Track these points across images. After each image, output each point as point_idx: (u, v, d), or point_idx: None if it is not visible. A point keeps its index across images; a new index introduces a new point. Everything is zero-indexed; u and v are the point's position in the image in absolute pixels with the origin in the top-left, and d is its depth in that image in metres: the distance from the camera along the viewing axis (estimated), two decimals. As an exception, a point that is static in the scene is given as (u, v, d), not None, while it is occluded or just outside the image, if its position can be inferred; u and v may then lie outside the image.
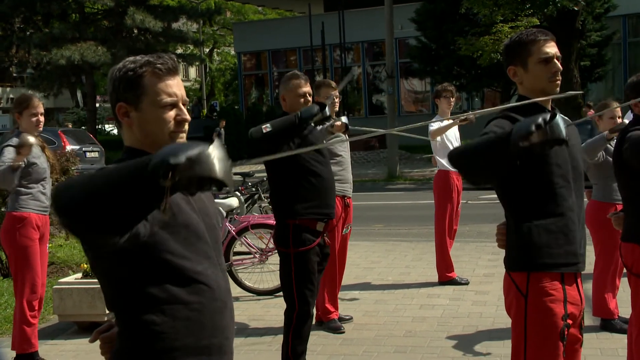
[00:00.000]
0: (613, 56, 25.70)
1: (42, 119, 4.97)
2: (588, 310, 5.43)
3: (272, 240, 6.30)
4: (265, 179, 8.44)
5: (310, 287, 4.36)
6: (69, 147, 15.93)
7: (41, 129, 5.02)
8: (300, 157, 4.37)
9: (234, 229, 7.07)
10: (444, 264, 7.06)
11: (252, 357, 5.17)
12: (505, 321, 5.02)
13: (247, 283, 7.00)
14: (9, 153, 4.76)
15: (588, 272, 5.87)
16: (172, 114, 2.04)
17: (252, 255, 7.16)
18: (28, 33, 30.80)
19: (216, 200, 8.11)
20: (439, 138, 6.91)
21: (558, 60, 2.84)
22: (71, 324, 5.98)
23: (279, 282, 4.56)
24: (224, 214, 7.99)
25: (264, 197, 9.06)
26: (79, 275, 5.99)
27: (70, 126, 26.67)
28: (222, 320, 2.05)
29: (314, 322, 5.18)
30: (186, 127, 2.07)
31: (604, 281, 5.39)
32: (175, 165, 1.56)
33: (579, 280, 2.85)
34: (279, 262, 4.48)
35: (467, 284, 6.97)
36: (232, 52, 44.73)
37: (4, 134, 13.32)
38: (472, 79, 23.10)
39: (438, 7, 23.18)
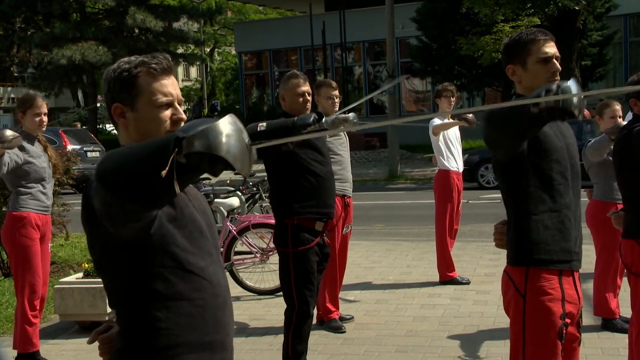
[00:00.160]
0: (614, 56, 25.69)
1: (45, 119, 4.97)
2: (588, 309, 5.45)
3: (272, 240, 6.31)
4: (265, 178, 8.44)
5: (309, 286, 4.37)
6: (69, 147, 15.94)
7: (44, 129, 5.02)
8: (300, 157, 4.37)
9: (235, 228, 7.08)
10: (445, 264, 7.07)
11: (253, 356, 5.17)
12: (506, 321, 5.00)
13: (248, 283, 7.00)
14: None
15: (588, 271, 5.91)
16: (168, 113, 2.05)
17: (253, 255, 7.16)
18: (29, 33, 30.82)
19: (217, 200, 8.13)
20: (441, 137, 6.93)
21: (557, 60, 2.85)
22: (72, 323, 5.98)
23: (279, 282, 4.56)
24: (225, 213, 8.00)
25: (265, 196, 9.06)
26: (80, 274, 6.00)
27: (79, 126, 26.64)
28: (223, 316, 2.07)
29: (315, 321, 5.19)
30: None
31: (604, 281, 5.39)
32: (182, 139, 1.55)
33: (576, 279, 2.86)
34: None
35: (468, 283, 6.97)
36: (233, 52, 44.74)
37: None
38: (473, 78, 23.10)
39: (439, 7, 23.17)
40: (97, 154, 19.29)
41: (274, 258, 6.43)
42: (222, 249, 6.95)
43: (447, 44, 22.40)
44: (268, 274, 7.20)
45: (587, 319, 5.30)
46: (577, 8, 18.15)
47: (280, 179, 4.42)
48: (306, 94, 4.56)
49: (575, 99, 2.28)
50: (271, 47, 31.65)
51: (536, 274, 2.76)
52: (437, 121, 6.91)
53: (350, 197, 5.84)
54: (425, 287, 6.95)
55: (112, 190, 1.64)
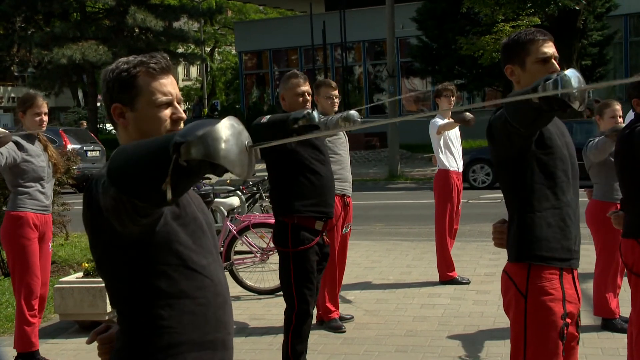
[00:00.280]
0: (614, 55, 25.70)
1: (45, 118, 4.96)
2: (588, 309, 5.45)
3: (272, 240, 6.31)
4: (266, 177, 8.44)
5: (309, 286, 4.37)
6: (70, 146, 15.94)
7: (44, 128, 5.02)
8: (301, 155, 4.37)
9: (235, 228, 7.08)
10: (445, 264, 7.07)
11: (253, 356, 5.17)
12: (506, 320, 5.01)
13: (248, 282, 7.00)
14: None
15: (588, 271, 5.91)
16: (167, 112, 2.05)
17: (253, 255, 7.16)
18: (29, 32, 30.84)
19: (217, 200, 8.13)
20: (442, 138, 6.95)
21: (556, 61, 2.86)
22: (72, 323, 5.98)
23: (279, 282, 4.56)
24: (225, 213, 8.00)
25: (265, 196, 9.06)
26: (80, 274, 5.99)
27: (84, 125, 26.64)
28: (224, 315, 2.07)
29: (314, 321, 5.19)
30: (182, 125, 2.07)
31: (604, 280, 5.39)
32: (180, 144, 1.53)
33: (576, 278, 2.86)
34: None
35: (468, 283, 6.97)
36: (233, 52, 44.75)
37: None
38: (473, 78, 23.10)
39: (439, 7, 23.18)
40: (97, 154, 19.31)
41: (274, 258, 6.44)
42: (222, 249, 6.95)
43: (447, 43, 22.41)
44: (268, 274, 7.20)
45: (587, 319, 5.30)
46: (577, 8, 18.15)
47: (281, 177, 4.42)
48: (306, 93, 4.57)
49: (575, 90, 2.28)
50: (271, 46, 31.66)
51: (537, 274, 2.77)
52: (439, 121, 6.91)
53: (349, 196, 5.84)
54: (425, 287, 6.95)
55: (121, 189, 1.65)
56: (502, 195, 2.96)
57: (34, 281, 5.02)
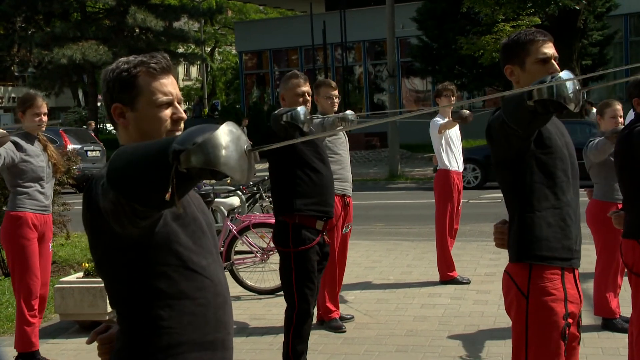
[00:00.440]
0: (614, 55, 25.69)
1: (45, 118, 4.96)
2: (588, 309, 5.44)
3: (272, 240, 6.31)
4: (266, 177, 8.44)
5: (310, 286, 4.37)
6: (70, 146, 15.95)
7: (44, 128, 5.01)
8: (303, 153, 4.38)
9: (235, 228, 7.08)
10: (445, 263, 7.06)
11: (253, 356, 5.17)
12: (506, 320, 5.01)
13: (249, 282, 7.00)
14: None
15: (589, 271, 5.91)
16: (168, 112, 2.05)
17: (253, 255, 7.16)
18: (29, 32, 30.86)
19: (217, 200, 8.13)
20: (443, 138, 6.95)
21: (555, 61, 2.86)
22: (72, 323, 5.98)
23: (280, 282, 4.56)
24: (225, 213, 8.00)
25: (265, 196, 9.07)
26: (81, 274, 5.99)
27: (92, 125, 26.64)
28: (224, 315, 2.07)
29: (315, 321, 5.19)
30: (182, 125, 2.07)
31: (605, 280, 5.39)
32: (179, 152, 1.52)
33: (577, 278, 2.86)
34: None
35: (468, 283, 6.97)
36: (234, 52, 44.75)
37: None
38: (473, 78, 23.10)
39: (439, 7, 23.18)
40: (97, 154, 19.32)
41: (274, 258, 6.44)
42: (222, 249, 6.95)
43: (447, 43, 22.41)
44: (268, 274, 7.20)
45: (588, 319, 5.30)
46: (577, 8, 18.15)
47: (282, 175, 4.42)
48: (306, 94, 4.57)
49: (570, 92, 2.28)
50: (272, 46, 31.65)
51: (539, 274, 2.76)
52: (440, 120, 6.91)
53: (350, 196, 5.84)
54: (426, 287, 6.94)
55: (120, 193, 1.64)
56: (502, 195, 2.96)
57: (34, 281, 5.02)
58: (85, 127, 25.21)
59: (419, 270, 7.67)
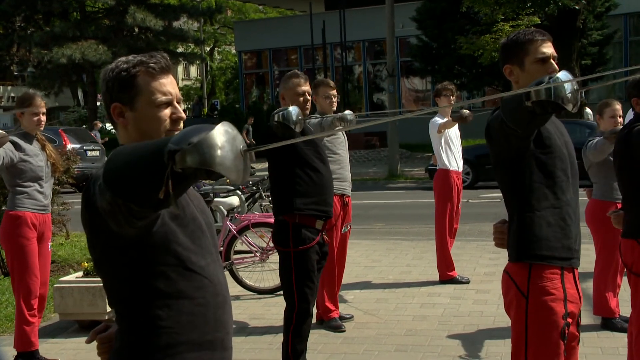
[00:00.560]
0: (614, 55, 25.70)
1: (43, 118, 4.96)
2: (587, 308, 5.45)
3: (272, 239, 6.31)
4: (266, 177, 8.44)
5: (310, 285, 4.37)
6: (69, 146, 15.94)
7: (42, 128, 5.01)
8: (304, 152, 4.38)
9: (234, 227, 7.08)
10: (445, 263, 7.06)
11: (253, 355, 5.17)
12: (506, 320, 5.02)
13: (248, 282, 7.00)
14: None
15: (588, 270, 5.91)
16: (167, 112, 2.05)
17: (252, 254, 7.16)
18: (29, 32, 30.85)
19: (217, 199, 8.13)
20: (443, 137, 6.95)
21: (554, 61, 2.86)
22: (72, 322, 5.98)
23: (280, 281, 4.57)
24: (225, 212, 8.00)
25: (265, 195, 9.07)
26: (80, 273, 5.99)
27: (99, 124, 26.65)
28: (223, 315, 2.07)
29: (314, 320, 5.19)
30: (181, 125, 2.07)
31: (604, 280, 5.39)
32: (175, 152, 1.52)
33: (577, 277, 2.86)
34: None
35: (467, 282, 6.97)
36: (233, 51, 44.73)
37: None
38: (473, 77, 23.11)
39: (439, 6, 23.19)
40: (97, 153, 19.32)
41: (274, 257, 6.44)
42: (222, 248, 6.95)
43: (447, 43, 22.42)
44: (268, 273, 7.20)
45: (587, 318, 5.30)
46: (577, 7, 18.15)
47: (282, 175, 4.42)
48: (306, 93, 4.58)
49: (568, 92, 2.29)
50: (271, 46, 31.65)
51: (538, 274, 2.77)
52: (439, 120, 6.91)
53: (349, 196, 5.84)
54: (425, 287, 6.94)
55: (116, 193, 1.64)
56: (501, 194, 2.96)
57: (33, 281, 5.02)
58: (84, 126, 25.22)
59: (419, 269, 7.67)
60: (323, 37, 26.60)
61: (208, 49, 48.91)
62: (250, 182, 8.91)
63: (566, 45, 18.10)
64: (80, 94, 40.06)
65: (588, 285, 5.71)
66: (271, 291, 6.87)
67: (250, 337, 5.57)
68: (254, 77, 33.81)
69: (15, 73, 42.09)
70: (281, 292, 4.56)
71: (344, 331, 5.63)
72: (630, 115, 4.22)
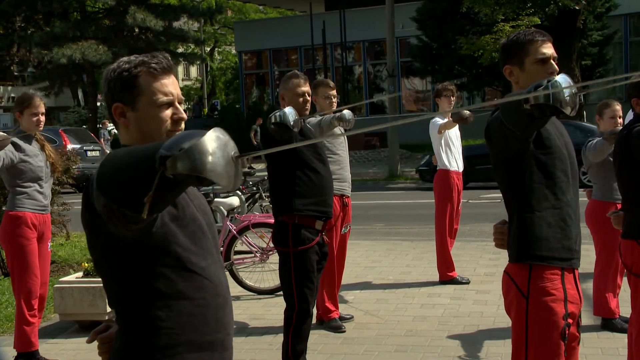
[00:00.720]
0: (614, 55, 25.71)
1: (42, 118, 4.96)
2: (587, 309, 5.44)
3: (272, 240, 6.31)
4: (265, 177, 8.44)
5: (309, 285, 4.37)
6: (69, 146, 15.94)
7: (41, 128, 5.02)
8: (303, 153, 4.38)
9: (234, 228, 7.08)
10: (445, 263, 7.06)
11: (253, 356, 5.17)
12: (506, 320, 5.02)
13: (248, 282, 7.00)
14: None
15: (588, 271, 5.90)
16: (168, 112, 2.05)
17: (252, 255, 7.16)
18: (29, 32, 30.82)
19: (217, 199, 8.13)
20: (443, 138, 6.95)
21: (554, 61, 2.86)
22: (72, 323, 5.98)
23: (280, 282, 4.57)
24: (225, 212, 8.00)
25: (265, 196, 9.07)
26: (80, 274, 5.99)
27: (107, 124, 26.58)
28: (224, 316, 2.07)
29: (314, 321, 5.19)
30: (183, 125, 2.07)
31: (604, 280, 5.39)
32: (166, 158, 1.52)
33: (577, 278, 2.86)
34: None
35: (468, 283, 6.97)
36: (233, 51, 44.74)
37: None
38: (473, 78, 23.11)
39: (439, 6, 23.19)
40: (97, 153, 19.32)
41: (274, 257, 6.44)
42: (222, 249, 6.95)
43: (447, 43, 22.42)
44: (268, 274, 7.20)
45: (587, 319, 5.30)
46: (577, 8, 18.14)
47: (281, 175, 4.43)
48: (306, 94, 4.58)
49: (566, 96, 2.29)
50: (271, 46, 31.66)
51: (539, 274, 2.76)
52: (440, 120, 6.91)
53: (348, 197, 5.84)
54: (425, 287, 6.94)
55: (109, 198, 1.64)
56: (501, 195, 2.96)
57: (33, 281, 5.02)
58: (85, 126, 25.20)
59: (419, 270, 7.67)
60: (323, 38, 26.61)
61: (208, 49, 48.92)
62: (251, 183, 8.91)
63: (566, 46, 18.09)
64: (80, 94, 40.06)
65: (588, 286, 5.71)
66: (271, 291, 6.87)
67: (250, 338, 5.57)
68: (254, 77, 33.82)
69: (16, 73, 42.10)
70: (281, 292, 4.56)
71: (344, 332, 5.63)
72: (630, 115, 4.22)
